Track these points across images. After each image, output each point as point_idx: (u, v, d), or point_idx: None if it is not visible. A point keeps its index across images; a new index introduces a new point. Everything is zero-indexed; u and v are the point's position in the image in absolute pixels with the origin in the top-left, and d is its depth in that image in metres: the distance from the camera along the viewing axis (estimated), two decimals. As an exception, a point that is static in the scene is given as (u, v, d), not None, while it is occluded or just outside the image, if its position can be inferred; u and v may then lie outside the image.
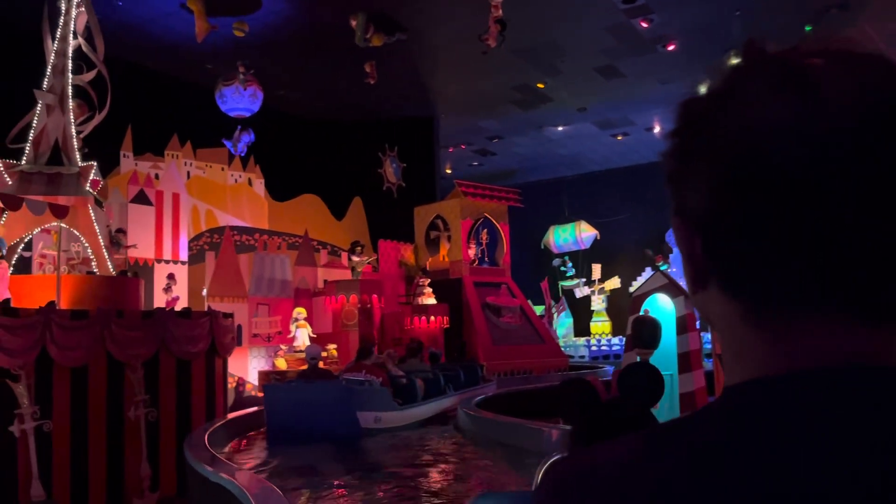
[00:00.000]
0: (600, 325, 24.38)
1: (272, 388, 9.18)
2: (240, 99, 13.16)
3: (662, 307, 7.04)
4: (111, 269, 9.01)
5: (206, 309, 10.50)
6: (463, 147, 23.10)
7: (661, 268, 8.03)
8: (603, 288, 24.32)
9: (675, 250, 18.66)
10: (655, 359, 6.76)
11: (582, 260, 24.94)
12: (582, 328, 24.31)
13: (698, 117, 0.55)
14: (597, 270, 24.25)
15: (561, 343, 19.27)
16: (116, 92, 11.69)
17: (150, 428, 8.50)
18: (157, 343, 8.76)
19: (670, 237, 24.62)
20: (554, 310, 21.29)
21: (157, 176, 13.09)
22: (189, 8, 11.57)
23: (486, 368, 12.05)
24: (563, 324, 23.54)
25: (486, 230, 16.50)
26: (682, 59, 16.83)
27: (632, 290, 24.55)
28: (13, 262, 8.85)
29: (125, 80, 12.59)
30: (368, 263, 13.92)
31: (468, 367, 11.07)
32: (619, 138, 23.09)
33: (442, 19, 13.88)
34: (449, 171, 22.77)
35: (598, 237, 24.32)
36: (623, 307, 24.36)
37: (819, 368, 0.48)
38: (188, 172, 14.39)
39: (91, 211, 9.09)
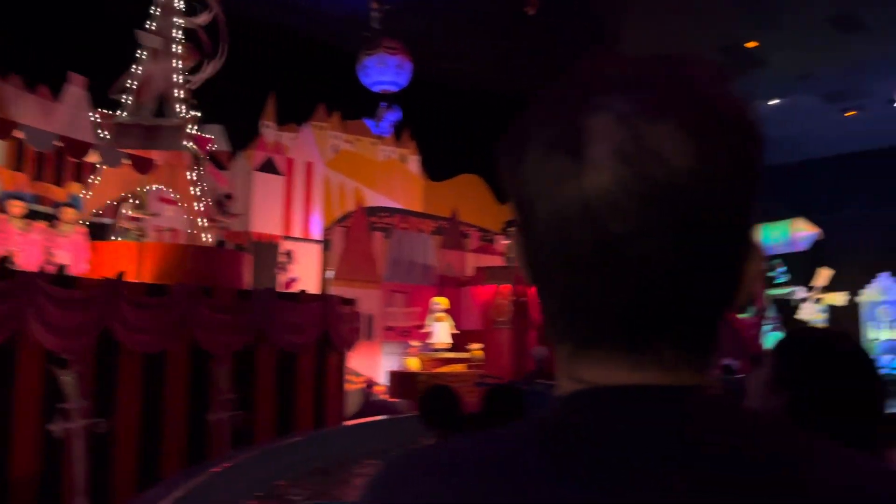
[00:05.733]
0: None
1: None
2: (384, 70, 11.45)
3: None
4: (208, 240, 7.53)
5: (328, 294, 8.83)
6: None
7: None
8: (821, 299, 20.16)
9: None
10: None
11: (800, 264, 20.91)
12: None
13: (502, 170, 0.61)
14: (824, 276, 20.13)
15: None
16: (259, 57, 10.24)
17: (238, 436, 6.85)
18: (254, 330, 7.12)
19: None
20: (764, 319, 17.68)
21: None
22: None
23: None
24: (770, 341, 19.74)
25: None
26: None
27: (860, 298, 20.48)
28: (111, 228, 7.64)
29: (268, 44, 11.34)
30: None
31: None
32: (851, 114, 18.86)
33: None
34: None
35: (822, 236, 20.18)
36: (851, 320, 20.42)
37: (591, 388, 0.57)
38: (336, 146, 12.96)
39: (191, 171, 7.67)
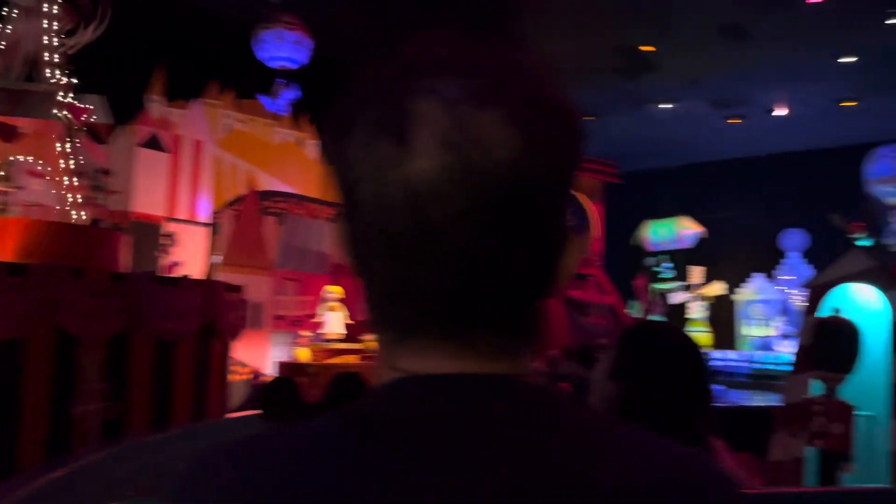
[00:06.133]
0: (698, 336, 21.31)
1: None
2: (282, 46, 11.00)
3: (862, 306, 4.36)
4: (81, 217, 6.97)
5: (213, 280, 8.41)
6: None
7: (861, 243, 5.25)
8: (702, 294, 21.19)
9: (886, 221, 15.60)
10: (850, 390, 4.07)
11: (682, 261, 21.90)
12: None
13: (325, 151, 0.60)
14: (696, 274, 21.12)
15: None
16: (147, 26, 9.60)
17: (108, 429, 6.39)
18: (129, 316, 6.64)
19: (787, 237, 21.33)
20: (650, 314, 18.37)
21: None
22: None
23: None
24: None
25: (572, 210, 13.88)
26: (828, 18, 13.69)
27: (735, 296, 21.70)
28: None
29: (158, 12, 10.66)
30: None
31: None
32: (734, 122, 19.87)
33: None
34: None
35: (705, 234, 21.18)
36: (726, 316, 21.61)
37: (407, 377, 0.57)
38: (229, 126, 12.38)
39: (63, 143, 7.07)
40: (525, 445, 0.53)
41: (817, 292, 4.50)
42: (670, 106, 18.98)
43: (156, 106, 11.13)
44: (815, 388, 4.26)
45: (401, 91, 0.55)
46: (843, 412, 3.92)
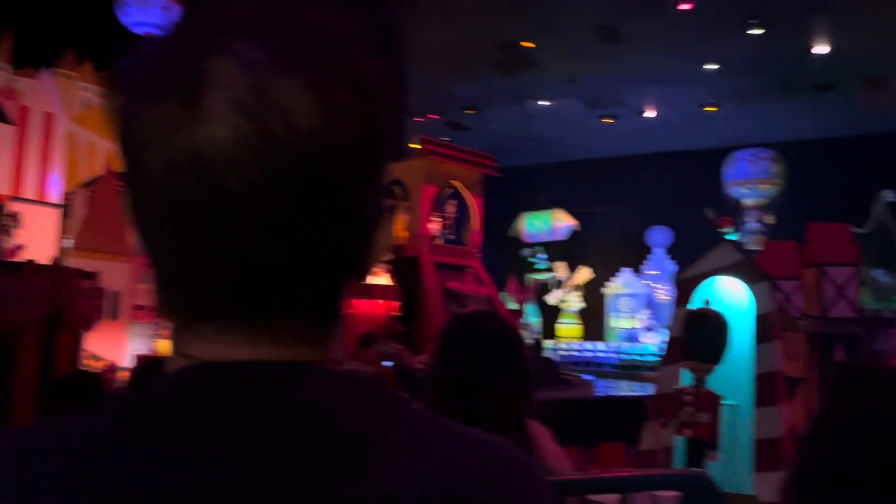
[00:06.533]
0: (569, 328, 22.09)
1: None
2: (148, 11, 10.25)
3: (730, 299, 4.49)
4: None
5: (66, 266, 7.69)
6: (433, 117, 20.41)
7: (730, 237, 5.41)
8: (573, 285, 21.94)
9: (752, 215, 16.37)
10: (717, 381, 4.17)
11: (556, 253, 22.59)
12: (549, 331, 21.97)
13: (110, 110, 0.54)
14: (561, 269, 21.88)
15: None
16: None
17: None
18: (-42, 305, 5.93)
19: (653, 234, 22.44)
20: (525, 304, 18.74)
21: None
22: None
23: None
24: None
25: (454, 201, 13.84)
26: (695, 25, 14.41)
27: (605, 290, 22.63)
28: None
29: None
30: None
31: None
32: (608, 121, 20.62)
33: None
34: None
35: (578, 227, 21.93)
36: (596, 309, 22.50)
37: (196, 365, 0.52)
38: (87, 100, 11.40)
39: None
40: (315, 438, 0.50)
41: (687, 285, 4.61)
42: (548, 103, 19.45)
43: (0, 73, 10.07)
44: (685, 378, 4.35)
45: (195, 48, 0.50)
46: (711, 402, 4.02)
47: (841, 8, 13.29)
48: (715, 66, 16.32)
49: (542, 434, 1.65)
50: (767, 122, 19.45)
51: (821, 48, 15.23)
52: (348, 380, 0.55)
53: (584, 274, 21.69)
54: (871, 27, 13.83)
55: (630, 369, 18.71)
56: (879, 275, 12.32)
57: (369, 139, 0.52)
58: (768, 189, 19.37)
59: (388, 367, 7.84)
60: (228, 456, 0.49)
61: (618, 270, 22.23)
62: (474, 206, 14.15)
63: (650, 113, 19.82)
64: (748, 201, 19.48)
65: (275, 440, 0.49)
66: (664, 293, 21.55)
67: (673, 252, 21.93)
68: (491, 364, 1.52)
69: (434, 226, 13.30)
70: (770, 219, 19.16)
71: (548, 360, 10.53)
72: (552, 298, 21.80)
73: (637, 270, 22.08)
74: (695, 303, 4.54)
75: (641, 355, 19.51)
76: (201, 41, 0.50)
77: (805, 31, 14.58)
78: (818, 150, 19.12)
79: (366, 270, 0.57)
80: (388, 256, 11.93)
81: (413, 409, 0.56)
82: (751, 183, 19.40)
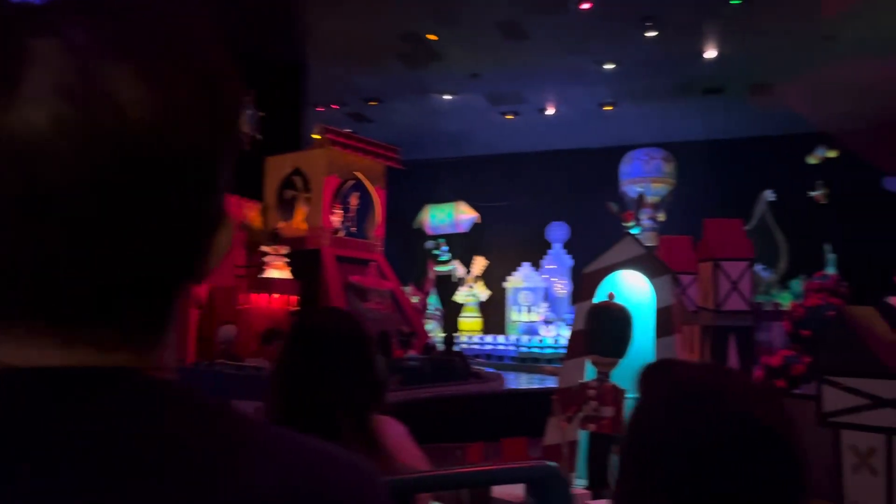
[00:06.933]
0: (470, 321, 22.29)
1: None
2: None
3: (632, 293, 4.53)
4: None
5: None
6: (335, 108, 20.04)
7: (633, 231, 5.49)
8: (474, 280, 22.16)
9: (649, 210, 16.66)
10: (620, 374, 4.20)
11: (459, 245, 22.72)
12: (451, 324, 22.09)
13: None
14: (460, 266, 22.12)
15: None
16: None
17: None
18: None
19: (552, 230, 22.93)
20: (432, 297, 18.72)
21: None
22: None
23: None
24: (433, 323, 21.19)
25: (357, 194, 13.59)
26: (595, 25, 14.75)
27: (506, 284, 22.96)
28: None
29: None
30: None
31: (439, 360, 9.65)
32: (510, 118, 20.88)
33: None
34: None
35: (479, 220, 22.14)
36: (496, 302, 22.80)
37: (2, 370, 0.48)
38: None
39: None
40: (129, 449, 0.47)
41: (591, 278, 4.62)
42: (451, 97, 19.46)
43: None
44: (589, 372, 4.36)
45: (17, 27, 0.46)
46: (615, 396, 4.03)
47: (730, 16, 13.92)
48: (613, 66, 16.78)
49: (395, 431, 1.62)
50: (660, 122, 20.22)
51: (710, 53, 15.92)
52: (172, 388, 0.51)
53: (481, 264, 22.00)
54: (757, 35, 14.58)
55: (529, 362, 19.05)
56: (759, 270, 13.03)
57: (206, 135, 0.49)
58: (660, 187, 20.17)
59: None
60: (31, 469, 0.45)
61: (518, 265, 22.58)
62: (378, 198, 13.95)
63: (551, 110, 20.18)
64: (643, 199, 20.23)
65: (83, 452, 0.46)
66: (562, 287, 22.06)
67: (570, 247, 22.48)
68: (332, 361, 1.51)
69: (336, 218, 13.03)
70: (661, 216, 19.96)
71: (460, 354, 10.56)
72: (460, 296, 21.93)
73: (536, 265, 22.49)
74: (599, 296, 4.55)
75: (540, 348, 19.90)
76: (25, 19, 0.46)
77: (697, 36, 15.21)
78: (705, 151, 20.05)
79: (201, 274, 0.54)
80: (287, 249, 11.56)
81: (242, 419, 0.52)
82: (644, 181, 20.15)
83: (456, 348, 11.01)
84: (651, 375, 0.95)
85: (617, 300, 4.36)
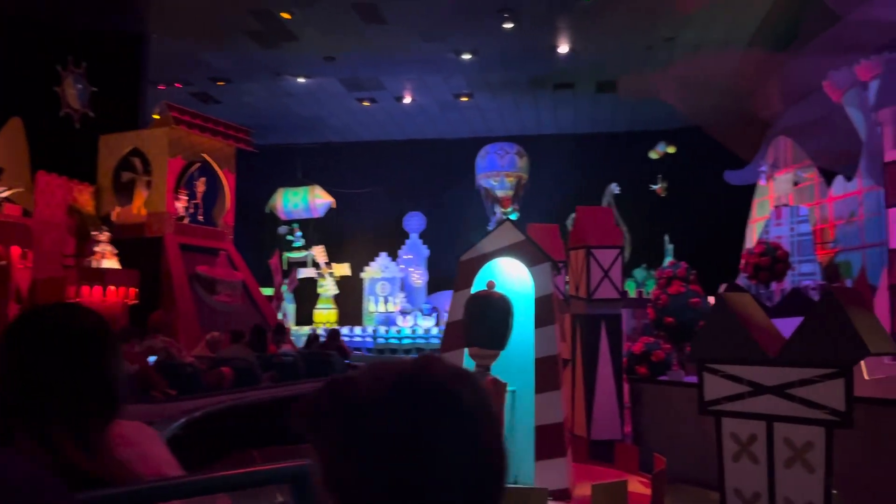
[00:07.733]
0: (325, 313, 21.67)
1: None
2: None
3: (511, 281, 4.32)
4: None
5: None
6: (178, 86, 18.65)
7: (511, 216, 5.27)
8: (332, 273, 21.56)
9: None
10: (500, 366, 3.99)
11: (313, 231, 21.98)
12: (305, 316, 21.37)
13: None
14: (320, 253, 21.42)
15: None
16: None
17: None
18: None
19: (408, 220, 22.74)
20: (285, 286, 17.87)
21: None
22: None
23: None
24: (289, 311, 20.38)
25: (204, 179, 12.64)
26: (454, 12, 14.62)
27: (363, 275, 22.50)
28: None
29: None
30: (8, 201, 9.26)
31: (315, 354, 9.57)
32: (366, 104, 20.42)
33: None
34: None
35: (334, 205, 21.52)
36: (354, 293, 22.30)
37: None
38: None
39: None
40: None
41: (469, 266, 4.38)
42: (305, 80, 18.69)
43: None
44: (467, 365, 4.11)
45: None
46: (497, 390, 3.80)
47: (581, 13, 14.28)
48: (470, 56, 16.78)
49: (140, 437, 1.50)
50: (514, 115, 20.57)
51: (563, 48, 16.30)
52: None
53: (344, 269, 21.48)
54: (605, 33, 15.08)
55: (386, 352, 18.78)
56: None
57: None
58: (513, 181, 20.58)
59: (149, 363, 7.00)
60: None
61: (375, 255, 22.23)
62: (227, 183, 13.06)
63: (408, 99, 19.95)
64: (496, 192, 20.55)
65: None
66: (419, 277, 21.96)
67: (426, 237, 22.43)
68: (46, 361, 1.37)
69: (181, 204, 12.02)
70: (515, 208, 20.38)
71: (341, 348, 10.25)
72: (304, 273, 21.13)
73: (393, 255, 22.25)
74: (477, 286, 4.32)
75: (398, 338, 19.69)
76: None
77: (551, 31, 15.50)
78: (555, 145, 20.67)
79: None
80: (108, 236, 10.53)
81: None
82: (498, 175, 20.49)
83: (339, 343, 10.82)
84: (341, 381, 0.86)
85: (497, 289, 4.14)
